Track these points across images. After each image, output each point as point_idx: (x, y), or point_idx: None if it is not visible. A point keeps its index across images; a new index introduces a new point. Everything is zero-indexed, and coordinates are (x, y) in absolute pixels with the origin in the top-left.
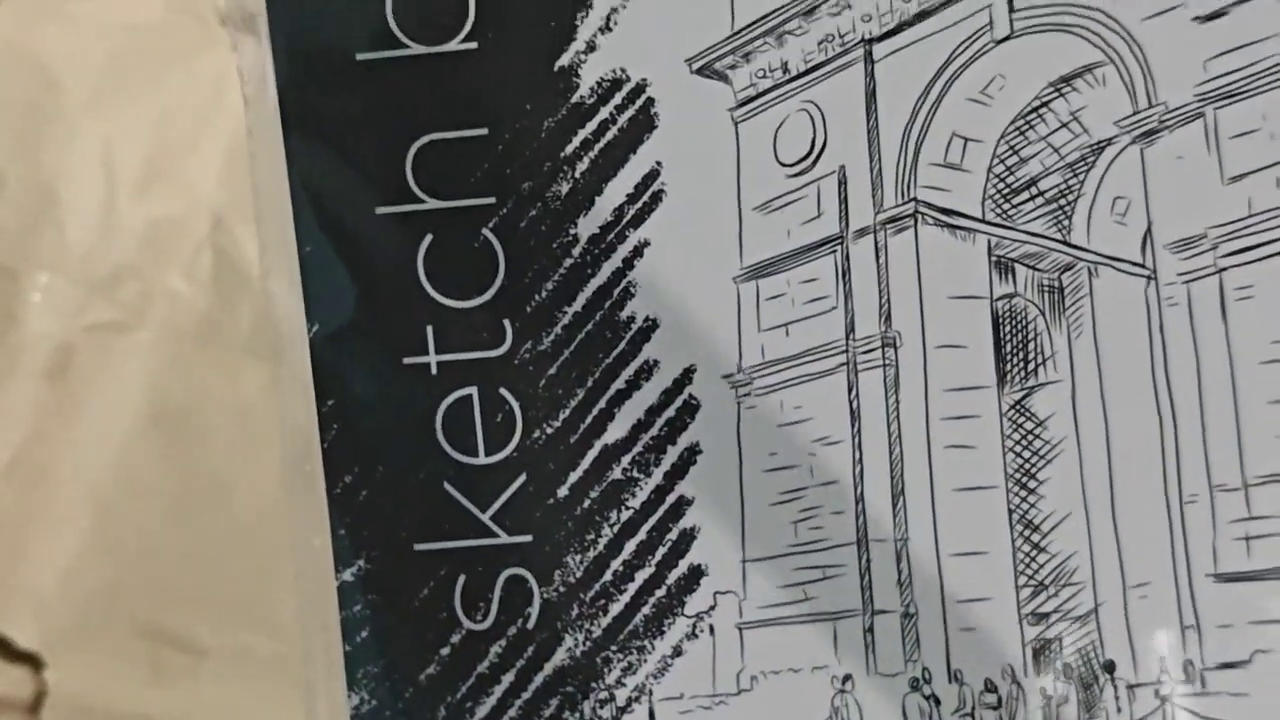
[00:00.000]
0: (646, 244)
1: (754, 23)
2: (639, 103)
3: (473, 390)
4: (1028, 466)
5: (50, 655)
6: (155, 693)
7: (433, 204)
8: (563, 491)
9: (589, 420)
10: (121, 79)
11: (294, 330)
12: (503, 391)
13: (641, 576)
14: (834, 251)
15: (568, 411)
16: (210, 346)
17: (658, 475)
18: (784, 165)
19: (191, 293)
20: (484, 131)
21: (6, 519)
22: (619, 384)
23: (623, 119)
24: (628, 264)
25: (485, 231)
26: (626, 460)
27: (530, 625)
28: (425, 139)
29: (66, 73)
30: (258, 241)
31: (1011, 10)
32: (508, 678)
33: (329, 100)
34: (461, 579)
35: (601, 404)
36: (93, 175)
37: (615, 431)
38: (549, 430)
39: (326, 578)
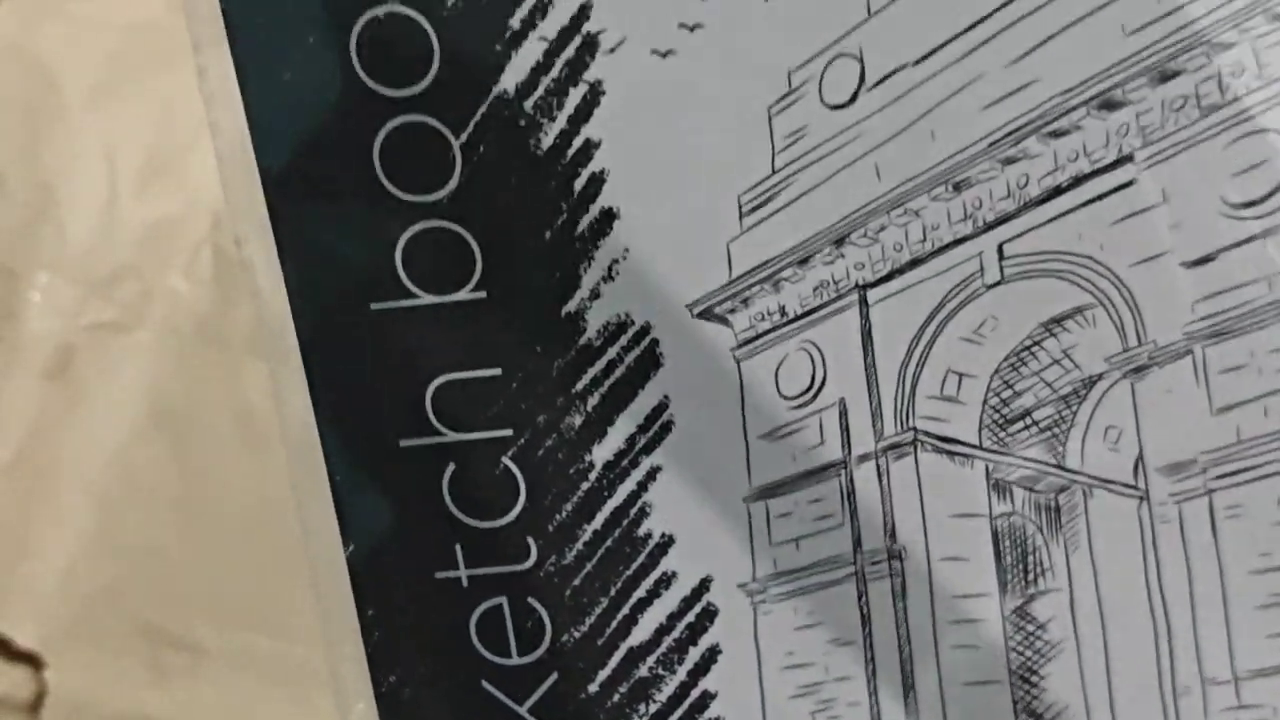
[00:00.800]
0: (659, 469)
1: (750, 271)
2: (644, 344)
3: (502, 600)
4: (1030, 664)
5: (50, 655)
6: (155, 693)
7: (453, 436)
8: (593, 688)
9: (614, 625)
10: (121, 79)
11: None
12: (531, 601)
13: None
14: (838, 475)
15: (593, 618)
16: (210, 346)
17: (681, 673)
18: (786, 398)
19: (191, 292)
20: (497, 371)
21: (7, 519)
22: (640, 593)
23: (629, 358)
24: (642, 487)
25: (505, 460)
26: (651, 660)
27: None
28: (442, 379)
29: (66, 73)
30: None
31: (1002, 258)
32: None
33: (347, 347)
34: None
35: (625, 610)
36: (93, 175)
37: (639, 635)
38: (577, 634)
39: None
